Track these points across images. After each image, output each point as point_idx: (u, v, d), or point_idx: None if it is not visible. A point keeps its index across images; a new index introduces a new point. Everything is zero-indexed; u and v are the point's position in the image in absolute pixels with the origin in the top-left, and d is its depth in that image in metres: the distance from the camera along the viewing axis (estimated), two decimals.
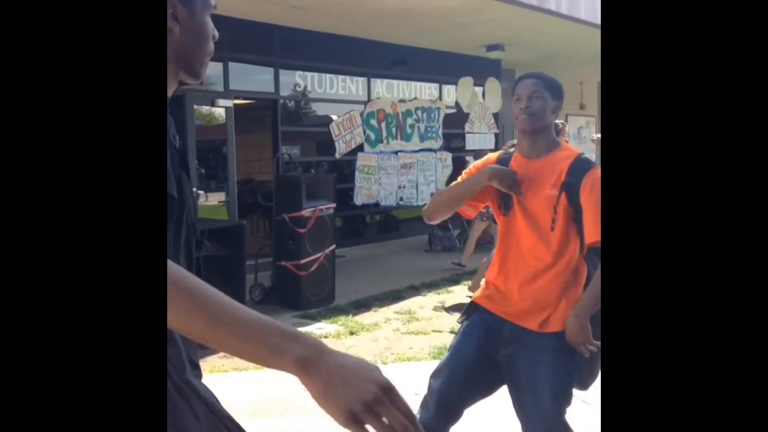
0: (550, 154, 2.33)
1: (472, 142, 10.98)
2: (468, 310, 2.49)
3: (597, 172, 2.22)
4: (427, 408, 2.38)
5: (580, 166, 2.26)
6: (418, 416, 2.34)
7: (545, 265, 2.30)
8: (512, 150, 2.51)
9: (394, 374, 2.61)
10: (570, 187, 2.24)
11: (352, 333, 5.25)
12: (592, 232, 2.19)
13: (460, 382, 2.36)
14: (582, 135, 14.43)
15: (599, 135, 7.13)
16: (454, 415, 2.38)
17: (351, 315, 5.75)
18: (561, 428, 2.30)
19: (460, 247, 8.72)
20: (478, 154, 6.13)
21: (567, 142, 5.88)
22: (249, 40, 7.78)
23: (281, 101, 8.63)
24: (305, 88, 8.99)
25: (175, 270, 0.93)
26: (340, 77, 9.32)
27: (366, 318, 5.68)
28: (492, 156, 2.51)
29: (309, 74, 8.96)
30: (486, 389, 2.42)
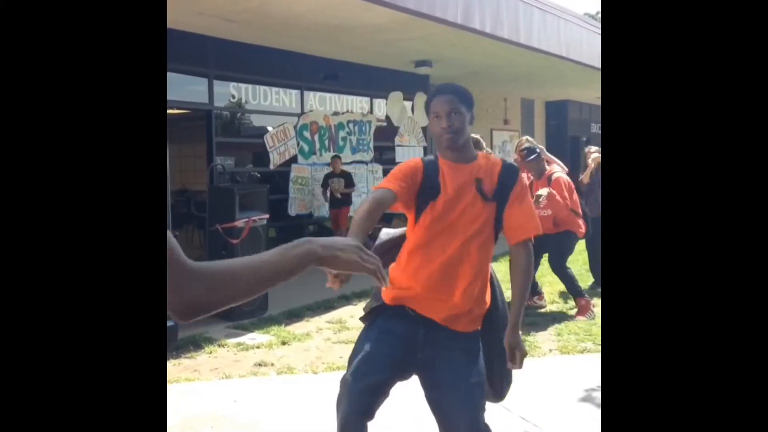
0: (474, 161, 2.34)
1: (401, 155, 10.95)
2: (378, 310, 2.36)
3: (522, 177, 2.33)
4: (347, 404, 2.26)
5: (509, 171, 2.32)
6: (338, 413, 2.31)
7: (478, 270, 2.30)
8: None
9: (324, 384, 2.51)
10: (501, 193, 2.28)
11: (284, 343, 5.08)
12: (524, 231, 2.30)
13: (382, 384, 2.27)
14: (506, 149, 14.61)
15: (530, 139, 7.14)
16: (373, 412, 2.28)
17: (283, 325, 5.58)
18: (484, 425, 2.26)
19: None
20: None
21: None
22: (183, 51, 7.51)
23: (215, 112, 8.38)
24: (240, 99, 8.76)
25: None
26: (274, 89, 9.13)
27: (298, 328, 5.52)
28: (418, 160, 2.38)
29: (243, 86, 8.74)
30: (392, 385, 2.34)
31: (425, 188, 2.30)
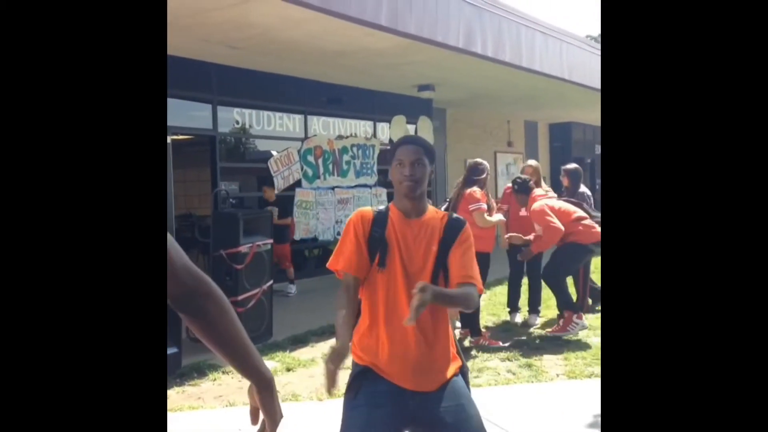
0: (425, 213, 2.39)
1: None
2: (360, 377, 2.29)
3: (468, 227, 2.41)
4: None
5: (454, 224, 2.39)
6: None
7: (439, 322, 2.30)
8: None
9: (330, 411, 2.47)
10: (446, 243, 2.34)
11: (288, 369, 5.03)
12: (464, 275, 2.31)
13: None
14: (510, 171, 14.60)
15: (534, 162, 7.18)
16: None
17: (288, 351, 5.52)
18: None
19: None
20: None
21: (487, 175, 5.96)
22: (187, 78, 7.55)
23: (219, 137, 8.40)
24: (243, 124, 8.79)
25: (233, 314, 1.30)
26: (278, 114, 9.16)
27: (303, 354, 5.46)
28: (368, 211, 2.38)
29: (247, 111, 8.77)
30: None
31: (373, 243, 2.31)
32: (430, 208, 2.44)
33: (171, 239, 1.14)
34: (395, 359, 2.25)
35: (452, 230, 2.36)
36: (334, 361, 2.08)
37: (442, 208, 6.40)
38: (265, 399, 1.35)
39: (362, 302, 2.35)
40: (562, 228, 5.81)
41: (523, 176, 6.47)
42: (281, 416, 1.40)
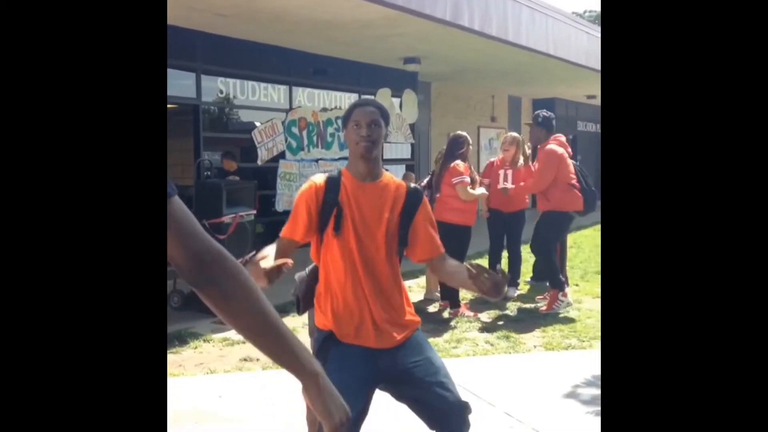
0: (380, 178, 2.40)
1: (389, 152, 10.92)
2: (326, 344, 2.33)
3: (426, 199, 2.47)
4: None
5: (415, 194, 2.43)
6: None
7: (394, 283, 2.37)
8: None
9: None
10: (408, 213, 2.39)
11: None
12: (427, 250, 2.45)
13: (360, 415, 2.24)
14: (493, 146, 14.61)
15: (516, 134, 7.17)
16: None
17: None
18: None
19: None
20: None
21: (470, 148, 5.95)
22: (171, 45, 7.38)
23: (203, 107, 8.32)
24: (227, 94, 8.70)
25: (259, 292, 1.16)
26: (262, 85, 9.07)
27: (290, 322, 5.47)
28: (320, 178, 2.40)
29: (231, 81, 8.68)
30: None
31: (326, 209, 2.33)
32: (385, 174, 2.45)
33: (180, 202, 1.08)
34: (355, 320, 2.31)
35: (414, 201, 2.41)
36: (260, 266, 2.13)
37: (425, 181, 6.43)
38: (313, 397, 1.20)
39: (319, 268, 2.40)
40: (545, 185, 5.84)
41: (548, 113, 6.21)
42: (342, 416, 1.23)
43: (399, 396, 2.40)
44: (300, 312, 2.52)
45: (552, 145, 5.91)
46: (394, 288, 2.38)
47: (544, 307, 5.99)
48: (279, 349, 1.18)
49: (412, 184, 2.51)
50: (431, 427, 2.40)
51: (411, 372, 2.29)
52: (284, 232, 2.40)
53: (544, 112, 6.10)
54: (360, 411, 2.24)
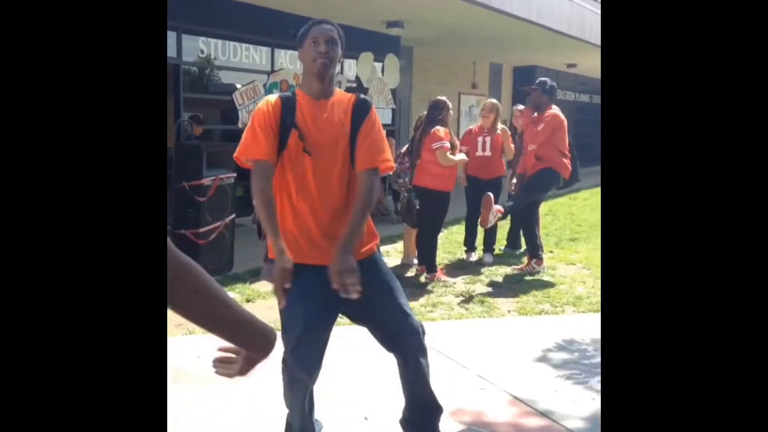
0: (332, 96, 2.41)
1: None
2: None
3: (374, 109, 2.45)
4: (298, 394, 2.43)
5: (362, 104, 2.42)
6: (291, 396, 2.48)
7: (347, 200, 2.37)
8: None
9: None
10: (356, 124, 2.37)
11: (248, 300, 5.09)
12: (368, 160, 2.37)
13: (322, 348, 2.36)
14: (473, 113, 14.59)
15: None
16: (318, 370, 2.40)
17: (248, 283, 5.56)
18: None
19: None
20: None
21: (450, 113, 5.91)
22: None
23: (184, 67, 8.19)
24: (209, 54, 8.57)
25: (206, 277, 1.11)
26: (244, 46, 8.94)
27: (263, 286, 5.49)
28: (274, 98, 2.39)
29: (213, 41, 8.54)
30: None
31: (284, 130, 2.32)
32: (338, 91, 2.45)
33: None
34: (314, 240, 2.34)
35: (361, 110, 2.40)
36: (285, 279, 2.15)
37: (404, 148, 6.43)
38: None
39: (276, 196, 2.36)
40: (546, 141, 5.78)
41: (553, 82, 6.09)
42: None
43: (357, 318, 2.47)
44: (260, 237, 2.50)
45: (555, 109, 5.88)
46: (350, 203, 2.36)
47: (522, 267, 6.15)
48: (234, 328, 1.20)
49: (362, 96, 2.51)
50: (389, 350, 2.51)
51: (369, 293, 2.27)
52: (259, 153, 2.30)
53: (551, 81, 6.02)
54: (323, 342, 2.36)
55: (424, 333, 2.48)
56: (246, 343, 1.22)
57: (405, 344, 2.45)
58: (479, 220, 5.86)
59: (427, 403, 2.60)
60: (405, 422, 2.66)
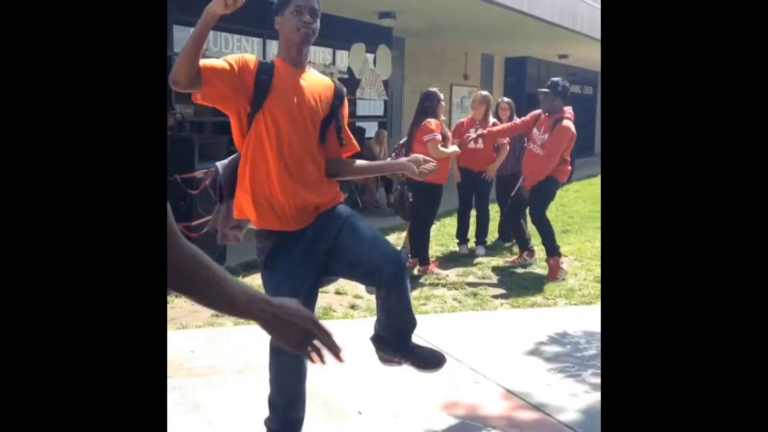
0: (308, 69, 2.49)
1: (362, 108, 10.83)
2: (272, 253, 2.41)
3: (346, 99, 2.57)
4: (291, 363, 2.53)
5: (342, 90, 2.55)
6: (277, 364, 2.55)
7: (319, 170, 2.47)
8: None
9: None
10: (334, 106, 2.48)
11: None
12: (352, 147, 2.57)
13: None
14: (464, 104, 14.56)
15: (507, 99, 7.10)
16: None
17: (241, 276, 5.54)
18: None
19: None
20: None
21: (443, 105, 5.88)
22: None
23: (175, 58, 8.09)
24: None
25: (215, 265, 1.15)
26: (236, 37, 8.87)
27: (256, 279, 5.44)
28: (251, 58, 2.39)
29: None
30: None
31: (260, 88, 2.33)
32: (313, 70, 2.52)
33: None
34: (293, 203, 2.38)
35: (341, 95, 2.53)
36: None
37: (402, 141, 6.41)
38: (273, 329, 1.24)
39: (247, 159, 2.40)
40: (557, 160, 5.63)
41: (566, 82, 5.83)
42: (304, 320, 1.24)
43: (338, 270, 2.53)
44: (222, 201, 2.54)
45: (568, 122, 5.62)
46: (320, 171, 2.47)
47: (550, 276, 5.75)
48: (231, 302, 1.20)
49: (336, 81, 2.59)
50: (371, 284, 2.61)
51: (339, 234, 2.44)
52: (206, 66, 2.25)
53: (562, 81, 5.76)
54: (311, 307, 2.45)
55: (405, 260, 2.56)
56: (258, 314, 1.21)
57: (382, 272, 2.48)
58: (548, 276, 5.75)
59: (406, 323, 2.65)
60: (380, 339, 2.67)
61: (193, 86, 2.23)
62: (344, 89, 2.58)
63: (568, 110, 5.69)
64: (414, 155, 2.46)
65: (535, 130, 5.83)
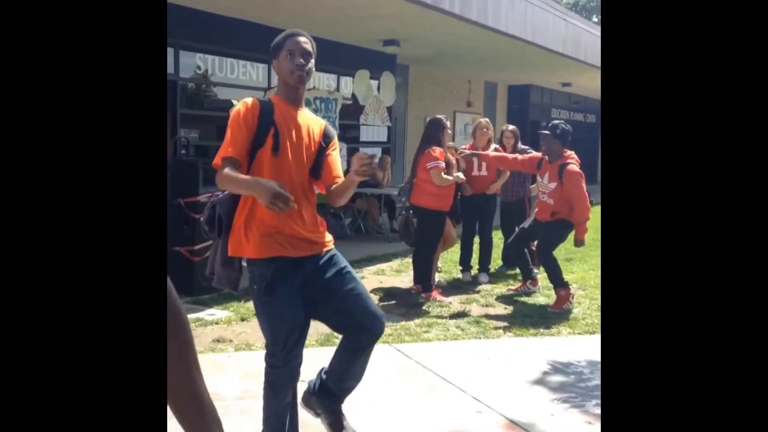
0: (304, 107, 2.62)
1: (366, 134, 10.86)
2: (271, 281, 2.46)
3: (335, 137, 2.68)
4: (286, 390, 2.58)
5: (329, 130, 2.65)
6: (276, 392, 2.55)
7: (313, 202, 2.60)
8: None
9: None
10: (324, 143, 2.60)
11: (243, 319, 5.03)
12: (335, 175, 2.64)
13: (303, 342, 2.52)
14: (468, 131, 14.61)
15: (512, 127, 7.09)
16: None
17: (243, 301, 5.49)
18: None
19: (351, 235, 8.59)
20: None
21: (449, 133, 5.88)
22: None
23: (181, 83, 8.17)
24: (206, 70, 8.56)
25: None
26: (241, 62, 8.94)
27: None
28: (251, 100, 2.50)
29: (210, 57, 8.53)
30: None
31: (262, 129, 2.44)
32: (307, 110, 2.64)
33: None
34: (291, 233, 2.47)
35: (330, 133, 2.65)
36: (278, 195, 2.20)
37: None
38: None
39: (251, 203, 2.47)
40: (587, 207, 5.40)
41: (567, 126, 5.64)
42: None
43: (321, 313, 2.59)
44: (220, 235, 2.58)
45: (574, 166, 5.47)
46: (312, 207, 2.58)
47: (553, 306, 5.66)
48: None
49: (327, 122, 2.71)
50: (346, 334, 2.63)
51: (338, 278, 2.55)
52: (230, 152, 2.41)
53: (563, 124, 5.60)
54: (304, 340, 2.53)
55: (383, 322, 2.62)
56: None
57: (371, 331, 2.57)
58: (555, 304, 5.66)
59: (356, 379, 2.71)
60: (325, 389, 2.72)
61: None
62: (334, 132, 2.71)
63: (571, 154, 5.57)
64: (357, 154, 2.50)
65: (539, 179, 5.73)
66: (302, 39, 2.52)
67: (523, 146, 6.92)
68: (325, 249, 2.60)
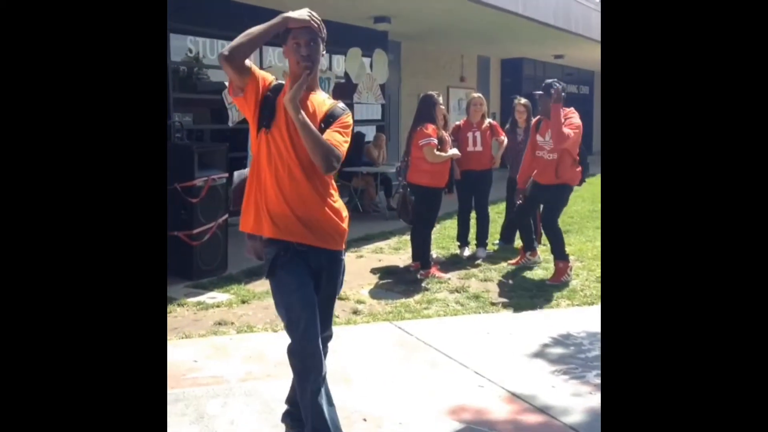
0: (316, 90, 2.59)
1: (360, 112, 10.81)
2: (277, 261, 2.48)
3: (348, 116, 2.58)
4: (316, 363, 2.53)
5: (336, 111, 2.56)
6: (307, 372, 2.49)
7: (322, 188, 2.52)
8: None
9: (284, 341, 2.50)
10: (327, 123, 2.51)
11: (243, 301, 5.04)
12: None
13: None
14: (461, 106, 14.54)
15: (524, 101, 6.98)
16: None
17: (243, 283, 5.52)
18: None
19: (348, 214, 8.61)
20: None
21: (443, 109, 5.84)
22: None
23: (173, 66, 8.10)
24: (197, 53, 8.48)
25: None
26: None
27: (258, 286, 5.46)
28: (269, 78, 2.55)
29: (201, 40, 8.45)
30: None
31: (268, 101, 2.48)
32: (320, 90, 2.62)
33: None
34: (298, 219, 2.47)
35: (334, 113, 2.55)
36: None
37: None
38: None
39: (254, 178, 2.51)
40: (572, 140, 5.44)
41: (558, 82, 5.50)
42: None
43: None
44: (233, 206, 2.65)
45: (575, 114, 5.50)
46: (327, 191, 2.54)
47: (551, 279, 5.68)
48: None
49: (340, 104, 2.61)
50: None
51: (338, 271, 2.63)
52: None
53: (555, 82, 5.48)
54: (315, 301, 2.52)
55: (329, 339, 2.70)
56: None
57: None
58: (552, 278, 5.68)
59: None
60: (291, 415, 2.79)
61: (241, 71, 2.44)
62: (345, 109, 2.60)
63: (570, 110, 5.55)
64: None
65: (539, 137, 5.68)
66: (307, 28, 2.51)
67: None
68: (338, 247, 2.62)
